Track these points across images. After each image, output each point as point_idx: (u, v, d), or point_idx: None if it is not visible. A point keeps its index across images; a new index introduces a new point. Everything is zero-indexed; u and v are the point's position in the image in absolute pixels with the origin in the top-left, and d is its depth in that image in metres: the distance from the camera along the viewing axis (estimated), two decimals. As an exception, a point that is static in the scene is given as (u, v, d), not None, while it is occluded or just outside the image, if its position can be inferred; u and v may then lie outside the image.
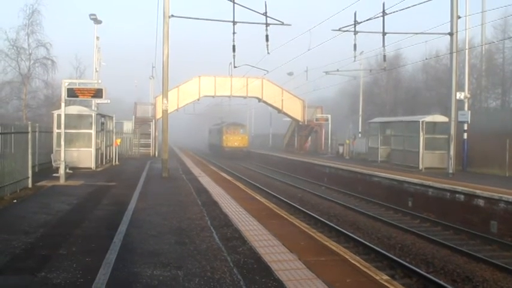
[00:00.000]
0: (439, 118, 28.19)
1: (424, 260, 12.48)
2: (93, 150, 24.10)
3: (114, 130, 32.71)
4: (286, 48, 26.50)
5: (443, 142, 25.92)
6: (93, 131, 24.12)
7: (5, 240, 9.01)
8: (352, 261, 8.17)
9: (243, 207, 13.60)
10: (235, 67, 24.88)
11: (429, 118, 28.52)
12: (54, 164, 20.61)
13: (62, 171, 18.68)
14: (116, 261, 7.72)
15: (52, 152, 21.81)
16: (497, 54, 43.99)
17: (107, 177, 20.98)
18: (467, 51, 27.14)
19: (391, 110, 51.41)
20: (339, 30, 22.89)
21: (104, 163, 27.51)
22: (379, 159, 32.33)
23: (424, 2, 20.46)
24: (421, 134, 27.30)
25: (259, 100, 50.16)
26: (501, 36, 40.35)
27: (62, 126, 19.07)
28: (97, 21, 35.75)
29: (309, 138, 53.35)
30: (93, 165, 24.10)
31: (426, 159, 27.30)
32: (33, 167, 17.80)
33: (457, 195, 17.83)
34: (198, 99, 49.73)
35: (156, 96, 45.08)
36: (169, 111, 24.26)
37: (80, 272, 7.19)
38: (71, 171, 20.80)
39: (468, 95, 26.26)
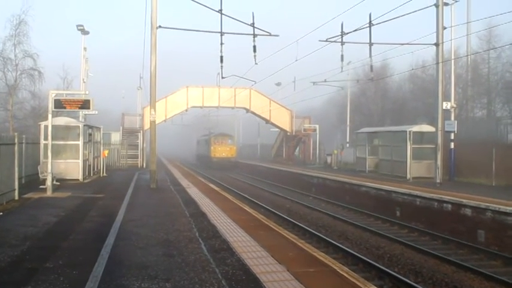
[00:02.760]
0: (426, 128, 28.38)
1: (413, 269, 12.52)
2: (80, 161, 23.94)
3: (102, 141, 32.55)
4: (273, 58, 26.62)
5: (431, 152, 26.09)
6: (80, 143, 23.97)
7: (-10, 254, 8.90)
8: (341, 272, 8.16)
9: (231, 218, 13.57)
10: (223, 78, 24.92)
11: (416, 128, 28.73)
12: (41, 176, 20.43)
13: (49, 183, 18.53)
14: (103, 274, 7.65)
15: (39, 164, 21.64)
16: (483, 65, 44.45)
17: (94, 189, 20.85)
18: (453, 61, 27.42)
19: (379, 120, 51.69)
20: (326, 40, 23.05)
21: (91, 174, 27.34)
22: (367, 169, 32.44)
23: (410, 13, 20.74)
24: (408, 143, 27.46)
25: (247, 111, 50.24)
26: (486, 46, 40.82)
27: (49, 137, 18.93)
28: (84, 32, 35.73)
29: (298, 148, 53.52)
30: (80, 177, 23.93)
31: (414, 168, 27.44)
32: (19, 179, 17.66)
33: (444, 205, 17.93)
34: (186, 110, 49.80)
35: (143, 107, 45.00)
36: (157, 122, 24.22)
37: (67, 285, 7.12)
38: (58, 183, 20.62)
39: (454, 105, 26.49)
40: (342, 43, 22.47)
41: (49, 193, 18.25)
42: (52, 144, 19.15)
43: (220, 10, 21.08)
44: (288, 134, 51.16)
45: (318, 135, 49.43)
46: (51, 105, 18.74)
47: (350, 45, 23.40)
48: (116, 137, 42.86)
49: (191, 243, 10.08)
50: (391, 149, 29.91)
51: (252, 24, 21.40)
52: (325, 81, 40.52)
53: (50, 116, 19.08)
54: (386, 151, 30.65)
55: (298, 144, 53.28)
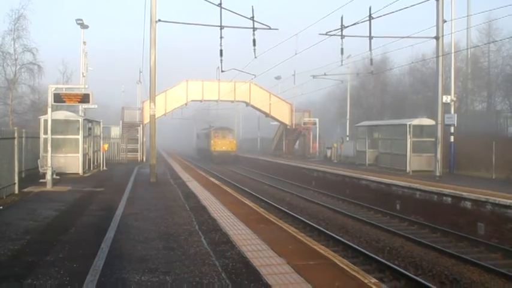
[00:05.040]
0: (426, 121, 28.36)
1: (413, 262, 12.53)
2: (80, 155, 23.93)
3: (102, 135, 32.52)
4: (273, 52, 26.62)
5: (431, 145, 26.09)
6: (80, 137, 23.95)
7: (-10, 247, 8.91)
8: (341, 265, 8.17)
9: (232, 212, 13.58)
10: (222, 71, 24.94)
11: (416, 121, 28.70)
12: (41, 170, 20.43)
13: (48, 177, 18.54)
14: (104, 267, 7.66)
15: (39, 158, 21.63)
16: (483, 58, 44.40)
17: (94, 183, 20.85)
18: (453, 54, 27.37)
19: (379, 114, 51.66)
20: (326, 34, 22.98)
21: (91, 168, 27.34)
22: (367, 162, 32.41)
23: (410, 6, 20.67)
24: (408, 137, 27.43)
25: (247, 104, 50.24)
26: (486, 39, 40.76)
27: (49, 131, 18.91)
28: (84, 26, 35.66)
29: (298, 142, 53.51)
30: (80, 171, 23.93)
31: (413, 162, 27.44)
32: (19, 173, 17.66)
33: (444, 198, 17.95)
34: (186, 104, 49.82)
35: (143, 101, 45.01)
36: (157, 116, 24.21)
37: (67, 278, 7.13)
38: (58, 177, 20.63)
39: (454, 98, 26.46)
40: (342, 36, 22.39)
41: (49, 187, 18.26)
42: (52, 138, 19.14)
43: (220, 4, 21.02)
44: (288, 127, 51.15)
45: (318, 129, 49.42)
46: (50, 99, 18.71)
47: (350, 39, 23.36)
48: (115, 131, 42.79)
49: (191, 237, 10.09)
50: (391, 142, 29.91)
51: (252, 18, 21.33)
52: (325, 74, 40.52)
53: (49, 110, 19.05)
54: (386, 144, 30.65)
55: (298, 137, 53.29)
